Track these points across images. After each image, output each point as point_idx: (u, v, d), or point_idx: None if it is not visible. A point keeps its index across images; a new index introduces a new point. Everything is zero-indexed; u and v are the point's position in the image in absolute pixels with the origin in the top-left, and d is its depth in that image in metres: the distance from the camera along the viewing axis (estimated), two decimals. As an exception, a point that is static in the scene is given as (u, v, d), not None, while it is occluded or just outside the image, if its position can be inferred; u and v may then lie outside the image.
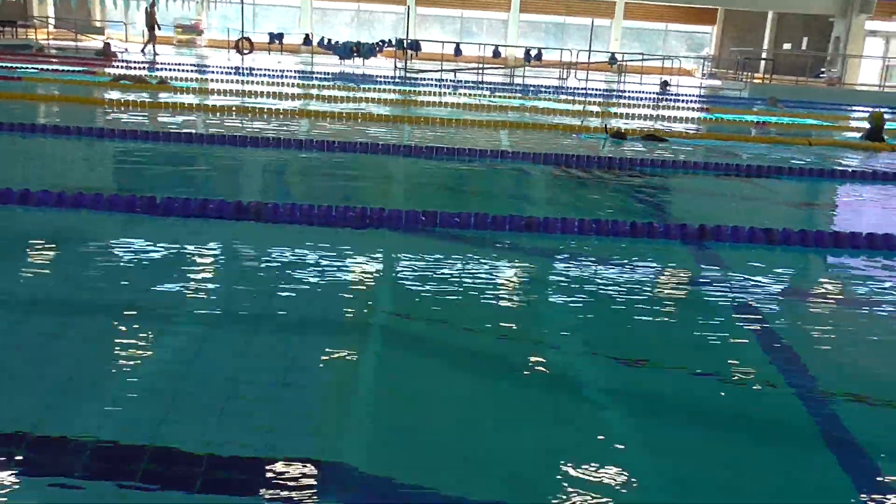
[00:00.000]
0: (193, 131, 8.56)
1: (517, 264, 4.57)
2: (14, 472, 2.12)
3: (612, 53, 26.72)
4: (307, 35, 26.65)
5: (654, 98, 18.62)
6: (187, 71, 17.77)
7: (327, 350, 3.02)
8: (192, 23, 34.16)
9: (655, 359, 3.16)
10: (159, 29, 24.73)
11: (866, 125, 12.18)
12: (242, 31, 24.83)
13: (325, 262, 4.18)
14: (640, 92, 19.85)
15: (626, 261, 4.60)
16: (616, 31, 35.29)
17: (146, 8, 23.96)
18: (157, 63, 19.98)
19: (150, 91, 12.77)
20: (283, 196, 6.04)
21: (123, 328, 3.10)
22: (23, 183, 5.13)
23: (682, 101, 18.80)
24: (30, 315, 3.27)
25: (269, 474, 2.16)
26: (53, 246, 4.32)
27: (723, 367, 3.11)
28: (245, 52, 24.51)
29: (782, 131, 13.09)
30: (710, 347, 3.33)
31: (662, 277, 4.45)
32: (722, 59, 32.15)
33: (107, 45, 21.92)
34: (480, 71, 23.07)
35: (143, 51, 23.92)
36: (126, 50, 23.99)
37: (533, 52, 25.29)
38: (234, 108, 10.57)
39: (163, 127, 8.80)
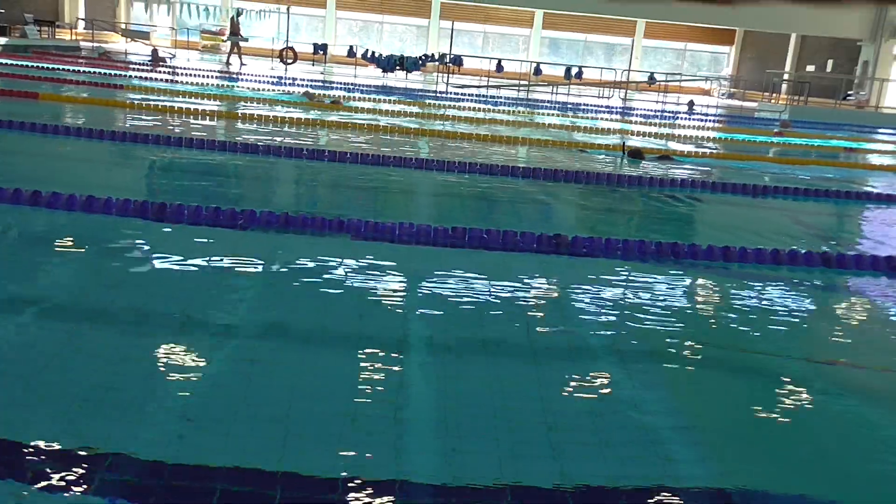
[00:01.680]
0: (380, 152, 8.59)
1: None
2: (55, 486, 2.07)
3: (651, 73, 27.25)
4: (351, 47, 26.93)
5: (684, 117, 19.14)
6: (318, 87, 17.69)
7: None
8: (217, 29, 34.31)
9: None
10: (244, 40, 24.76)
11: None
12: (287, 40, 25.04)
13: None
14: (669, 112, 20.32)
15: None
16: (637, 50, 35.95)
17: (231, 17, 24.04)
18: (243, 74, 20.06)
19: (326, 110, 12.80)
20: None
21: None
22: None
23: (713, 119, 19.41)
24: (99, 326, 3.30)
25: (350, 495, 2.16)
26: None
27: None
28: (288, 61, 24.73)
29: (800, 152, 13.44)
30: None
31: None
32: (742, 80, 32.83)
33: (155, 50, 22.06)
34: (520, 88, 23.48)
35: (227, 61, 24.15)
36: (174, 56, 24.05)
37: (574, 71, 25.76)
38: (429, 131, 10.83)
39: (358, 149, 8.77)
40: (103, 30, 28.48)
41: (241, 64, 23.29)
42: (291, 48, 25.07)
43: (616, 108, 20.59)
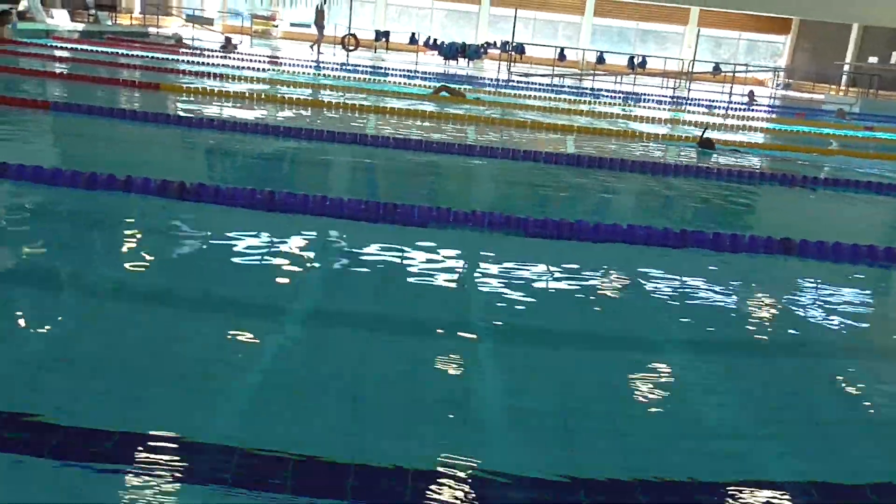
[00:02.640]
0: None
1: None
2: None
3: (716, 63, 26.96)
4: (413, 34, 26.89)
5: (746, 108, 18.89)
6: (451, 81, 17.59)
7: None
8: (268, 14, 34.43)
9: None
10: (323, 30, 24.84)
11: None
12: (350, 28, 25.04)
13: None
14: (728, 103, 20.08)
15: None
16: (689, 38, 35.55)
17: (317, 6, 24.11)
18: (326, 62, 20.08)
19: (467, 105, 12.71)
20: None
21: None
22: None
23: (778, 111, 19.17)
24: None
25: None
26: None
27: None
28: (350, 48, 24.74)
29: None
30: None
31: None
32: (799, 71, 32.41)
33: (228, 38, 22.15)
34: (583, 77, 23.33)
35: (312, 48, 24.26)
36: (242, 42, 24.13)
37: (637, 60, 25.56)
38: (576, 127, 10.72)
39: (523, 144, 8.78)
40: (163, 15, 28.60)
41: (319, 53, 23.34)
42: (354, 35, 25.07)
43: (681, 98, 20.40)
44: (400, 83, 15.63)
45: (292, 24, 33.30)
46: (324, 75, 15.77)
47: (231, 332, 3.04)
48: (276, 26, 34.98)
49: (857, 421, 2.84)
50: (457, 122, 10.29)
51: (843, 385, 3.17)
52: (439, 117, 10.48)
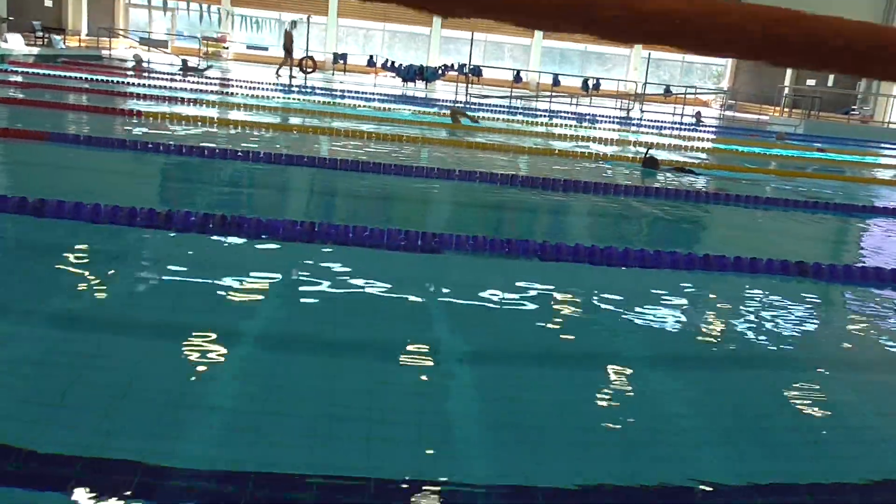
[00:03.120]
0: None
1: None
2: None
3: (667, 86, 27.79)
4: (371, 56, 27.00)
5: (693, 129, 19.48)
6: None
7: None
8: (217, 35, 34.13)
9: None
10: (297, 52, 24.59)
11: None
12: (307, 49, 25.03)
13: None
14: (679, 124, 20.71)
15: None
16: (636, 60, 36.58)
17: (285, 29, 23.90)
18: (305, 87, 19.91)
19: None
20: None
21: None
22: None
23: (728, 133, 19.91)
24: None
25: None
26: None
27: None
28: (308, 70, 24.71)
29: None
30: None
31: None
32: (740, 93, 33.63)
33: (184, 61, 21.91)
34: (538, 99, 23.79)
35: (277, 72, 24.03)
36: (209, 66, 23.79)
37: (591, 83, 26.19)
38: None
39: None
40: (111, 37, 28.09)
41: (291, 76, 23.23)
42: (311, 57, 25.06)
43: (632, 119, 20.97)
44: (389, 109, 15.67)
45: (249, 47, 33.08)
46: (313, 101, 15.74)
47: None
48: (227, 48, 34.72)
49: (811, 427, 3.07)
50: (491, 151, 10.47)
51: (789, 392, 3.37)
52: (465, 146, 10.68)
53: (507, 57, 37.37)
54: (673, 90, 27.26)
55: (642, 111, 24.79)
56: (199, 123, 10.42)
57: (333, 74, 26.99)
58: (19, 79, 14.33)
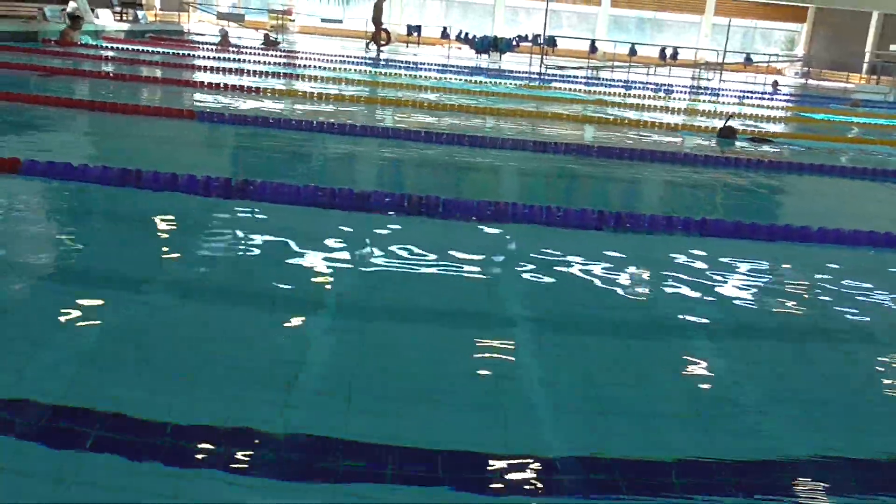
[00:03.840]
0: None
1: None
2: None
3: (748, 54, 27.17)
4: (444, 28, 26.90)
5: (770, 98, 19.01)
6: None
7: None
8: (285, 8, 34.27)
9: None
10: (383, 28, 24.54)
11: None
12: (381, 22, 24.97)
13: None
14: (753, 93, 20.14)
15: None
16: (707, 27, 35.76)
17: (375, 2, 23.90)
18: (386, 59, 19.91)
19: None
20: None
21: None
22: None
23: (805, 102, 19.33)
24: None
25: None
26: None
27: None
28: (383, 42, 24.69)
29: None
30: None
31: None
32: (817, 59, 32.66)
33: (266, 35, 22.10)
34: (614, 69, 23.45)
35: (367, 47, 24.01)
36: (282, 40, 23.93)
37: (668, 52, 25.73)
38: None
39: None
40: (183, 11, 28.45)
41: (379, 51, 23.21)
42: (386, 30, 25.02)
43: (710, 89, 20.51)
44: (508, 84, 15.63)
45: (323, 20, 33.17)
46: (422, 76, 15.79)
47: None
48: (293, 20, 34.87)
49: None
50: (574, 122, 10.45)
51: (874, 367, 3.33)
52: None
53: (567, 27, 36.82)
54: (753, 58, 26.60)
55: (721, 80, 24.28)
56: (310, 99, 10.59)
57: (407, 47, 26.95)
58: (127, 55, 14.64)
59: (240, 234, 4.34)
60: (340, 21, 30.07)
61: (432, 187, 6.23)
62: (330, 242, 4.25)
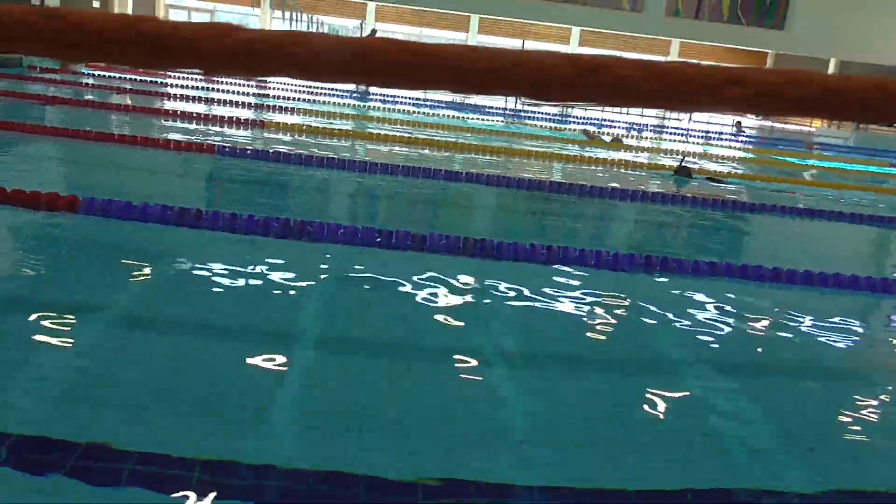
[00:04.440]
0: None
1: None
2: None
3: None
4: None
5: (732, 140, 19.36)
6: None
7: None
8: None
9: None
10: None
11: None
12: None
13: None
14: (719, 133, 20.70)
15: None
16: (671, 69, 36.77)
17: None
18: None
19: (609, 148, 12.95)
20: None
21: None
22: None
23: (762, 144, 20.01)
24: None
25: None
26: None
27: None
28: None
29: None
30: None
31: None
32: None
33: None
34: (588, 108, 23.86)
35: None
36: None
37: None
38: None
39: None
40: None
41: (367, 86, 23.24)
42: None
43: (671, 127, 21.01)
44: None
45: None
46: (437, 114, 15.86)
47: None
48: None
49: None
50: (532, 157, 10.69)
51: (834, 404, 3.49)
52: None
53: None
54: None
55: (690, 119, 24.93)
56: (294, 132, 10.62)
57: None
58: (127, 85, 14.51)
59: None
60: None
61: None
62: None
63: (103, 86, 13.79)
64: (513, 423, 2.89)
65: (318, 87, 17.63)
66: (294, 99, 14.87)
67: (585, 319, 4.14)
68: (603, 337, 3.96)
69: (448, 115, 16.01)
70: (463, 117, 15.79)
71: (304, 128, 10.93)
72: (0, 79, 12.76)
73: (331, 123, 11.87)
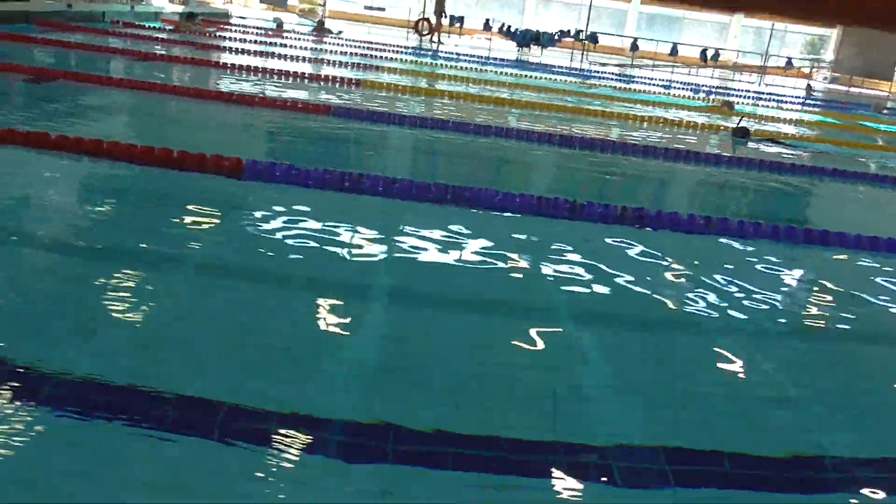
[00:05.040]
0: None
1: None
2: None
3: (789, 58, 27.29)
4: (487, 20, 26.86)
5: (802, 101, 19.10)
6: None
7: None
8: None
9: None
10: (446, 17, 24.36)
11: None
12: (423, 11, 24.96)
13: None
14: (785, 96, 20.12)
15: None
16: (736, 29, 35.85)
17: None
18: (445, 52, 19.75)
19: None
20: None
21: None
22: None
23: (829, 107, 19.40)
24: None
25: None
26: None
27: None
28: (425, 33, 24.65)
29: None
30: None
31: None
32: (848, 65, 32.73)
33: (321, 21, 22.01)
34: (655, 67, 23.51)
35: (430, 40, 23.75)
36: (341, 31, 23.65)
37: (709, 53, 25.81)
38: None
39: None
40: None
41: (439, 43, 23.07)
42: (427, 19, 24.99)
43: (741, 90, 20.50)
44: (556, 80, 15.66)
45: (366, 8, 32.96)
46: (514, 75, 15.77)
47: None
48: (323, 5, 34.67)
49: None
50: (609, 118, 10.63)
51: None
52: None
53: (604, 23, 36.81)
54: (794, 63, 26.71)
55: (763, 84, 24.38)
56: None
57: (449, 37, 26.88)
58: (203, 40, 14.62)
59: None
60: (383, 10, 29.84)
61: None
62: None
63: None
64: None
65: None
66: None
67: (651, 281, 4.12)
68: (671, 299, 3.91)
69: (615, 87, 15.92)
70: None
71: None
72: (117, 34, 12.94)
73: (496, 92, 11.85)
